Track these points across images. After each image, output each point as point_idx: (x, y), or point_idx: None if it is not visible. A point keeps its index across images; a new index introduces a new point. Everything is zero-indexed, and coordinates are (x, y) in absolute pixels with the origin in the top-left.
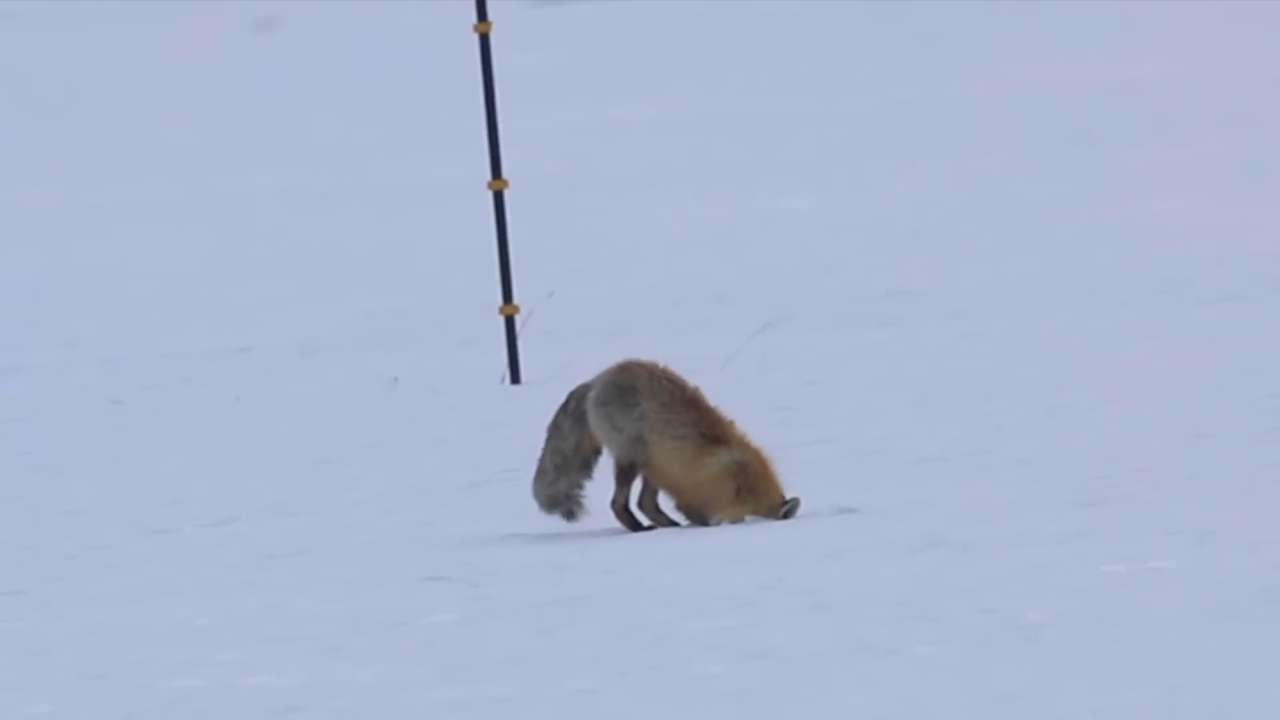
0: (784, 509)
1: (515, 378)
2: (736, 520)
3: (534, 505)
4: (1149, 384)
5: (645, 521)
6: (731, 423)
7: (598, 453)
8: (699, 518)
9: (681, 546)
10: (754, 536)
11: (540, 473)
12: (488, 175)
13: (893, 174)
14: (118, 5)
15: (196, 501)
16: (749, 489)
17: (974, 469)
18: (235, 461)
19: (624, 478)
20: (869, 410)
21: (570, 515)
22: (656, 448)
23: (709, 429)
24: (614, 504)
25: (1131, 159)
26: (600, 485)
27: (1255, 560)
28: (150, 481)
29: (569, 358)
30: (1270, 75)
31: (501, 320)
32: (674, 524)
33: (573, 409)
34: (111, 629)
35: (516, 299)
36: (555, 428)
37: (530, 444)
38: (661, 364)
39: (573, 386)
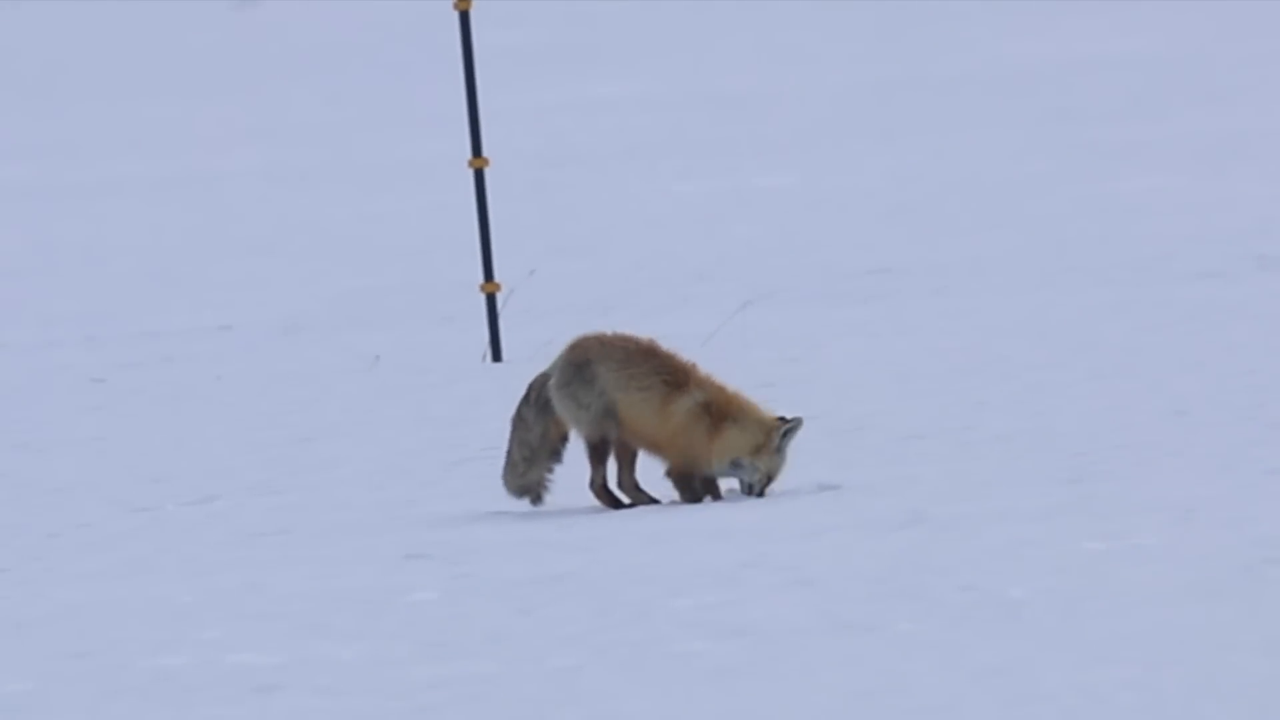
0: (785, 428)
1: (496, 356)
2: (734, 464)
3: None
4: (1130, 361)
5: (625, 500)
6: (693, 365)
7: (564, 439)
8: (690, 479)
9: (663, 524)
10: (735, 514)
11: (510, 465)
12: (468, 153)
13: (873, 151)
14: None
15: (178, 480)
16: (718, 421)
17: (955, 446)
18: (217, 440)
19: (598, 457)
20: (850, 388)
21: (537, 500)
22: (625, 406)
23: (671, 375)
24: (593, 485)
25: (1112, 135)
26: (576, 468)
27: (1236, 537)
28: (132, 460)
29: (550, 336)
30: (1249, 51)
31: (482, 298)
32: (654, 501)
33: (535, 399)
34: (93, 607)
35: (497, 277)
36: (519, 419)
37: None
38: (610, 331)
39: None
